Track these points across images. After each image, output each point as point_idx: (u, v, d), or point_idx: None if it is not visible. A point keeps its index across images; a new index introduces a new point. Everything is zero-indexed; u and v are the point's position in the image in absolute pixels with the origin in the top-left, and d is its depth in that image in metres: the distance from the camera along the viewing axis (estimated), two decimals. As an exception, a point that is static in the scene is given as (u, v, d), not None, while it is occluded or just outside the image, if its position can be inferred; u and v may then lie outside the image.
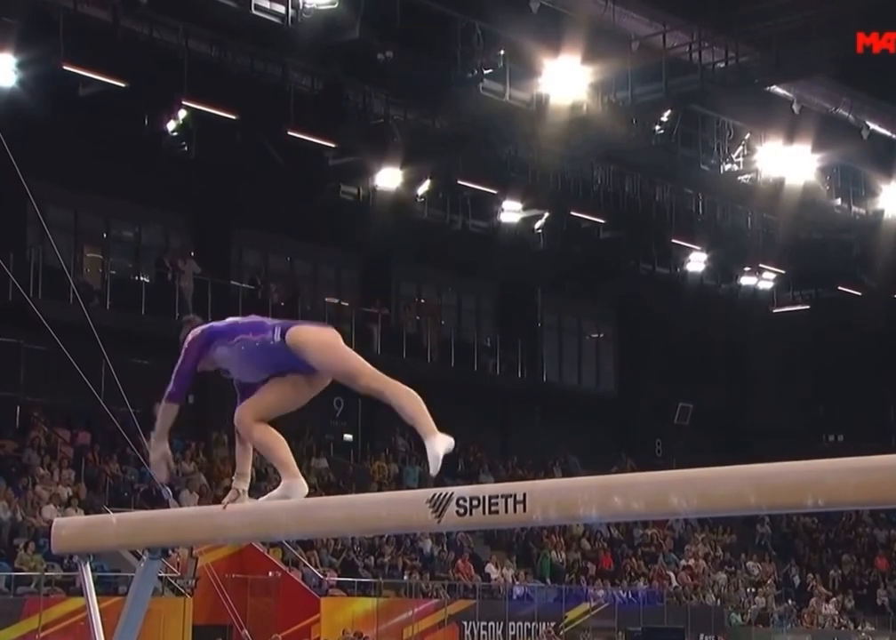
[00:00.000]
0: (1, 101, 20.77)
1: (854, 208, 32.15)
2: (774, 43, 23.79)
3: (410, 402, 5.84)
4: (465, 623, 24.60)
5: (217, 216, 27.67)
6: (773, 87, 26.50)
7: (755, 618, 30.89)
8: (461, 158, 27.12)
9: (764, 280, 35.49)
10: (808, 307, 37.14)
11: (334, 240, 29.39)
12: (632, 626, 26.87)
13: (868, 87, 27.50)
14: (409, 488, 25.55)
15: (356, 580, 23.75)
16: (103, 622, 6.72)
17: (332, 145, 25.52)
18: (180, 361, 6.32)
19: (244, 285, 28.27)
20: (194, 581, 20.87)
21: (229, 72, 24.01)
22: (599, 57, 23.99)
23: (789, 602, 32.24)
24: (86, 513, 19.06)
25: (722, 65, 24.40)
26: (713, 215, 32.89)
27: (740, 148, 29.11)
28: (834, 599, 32.66)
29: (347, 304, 30.54)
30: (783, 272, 35.16)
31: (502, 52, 24.07)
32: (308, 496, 6.23)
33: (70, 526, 7.17)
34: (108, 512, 15.97)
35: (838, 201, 31.86)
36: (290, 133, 24.34)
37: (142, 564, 6.72)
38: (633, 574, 29.70)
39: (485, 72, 23.93)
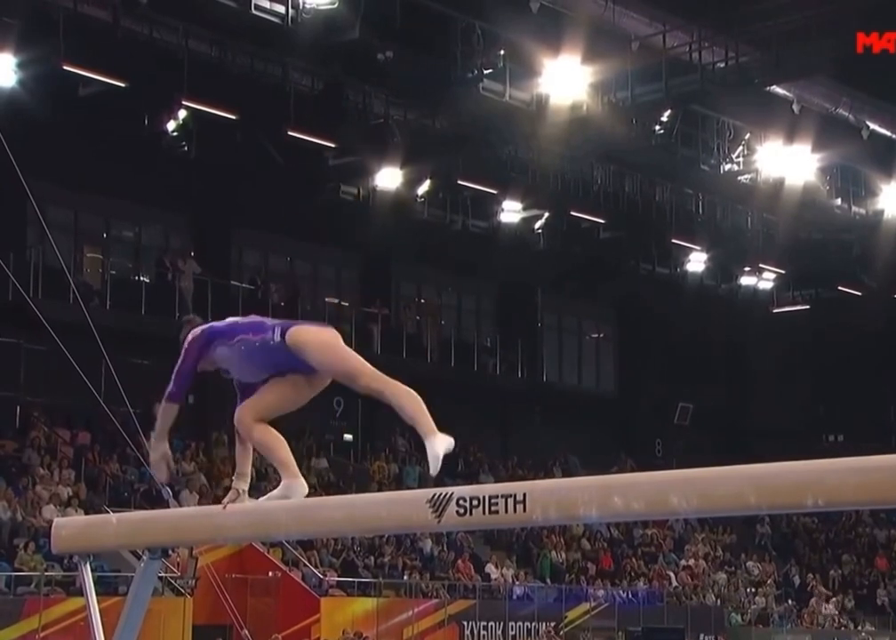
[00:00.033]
0: (1, 101, 20.76)
1: (854, 208, 32.15)
2: (774, 43, 23.79)
3: (410, 402, 5.83)
4: (465, 623, 24.60)
5: (217, 216, 27.67)
6: (773, 87, 26.50)
7: (755, 618, 30.89)
8: (461, 158, 27.12)
9: (764, 280, 35.50)
10: (808, 307, 37.15)
11: (334, 240, 29.40)
12: (632, 626, 26.86)
13: (868, 87, 27.50)
14: (409, 488, 25.54)
15: (356, 580, 23.75)
16: (103, 622, 6.72)
17: (332, 145, 25.52)
18: (179, 361, 6.32)
19: (243, 285, 28.26)
20: (194, 581, 20.87)
21: (229, 72, 24.01)
22: (599, 57, 23.99)
23: (789, 602, 32.24)
24: (86, 513, 19.05)
25: (722, 65, 24.40)
26: (713, 215, 32.90)
27: (740, 148, 29.11)
28: (834, 599, 32.66)
29: (347, 304, 30.54)
30: (783, 272, 35.17)
31: (502, 52, 24.07)
32: (308, 496, 6.23)
33: (70, 526, 7.17)
34: (108, 512, 15.96)
35: (838, 201, 31.86)
36: (290, 133, 24.34)
37: (142, 564, 6.72)
38: (633, 574, 29.71)
39: (485, 72, 23.93)
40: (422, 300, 33.40)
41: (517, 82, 24.50)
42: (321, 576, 23.18)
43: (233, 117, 23.53)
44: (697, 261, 33.25)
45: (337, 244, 29.79)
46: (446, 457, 5.71)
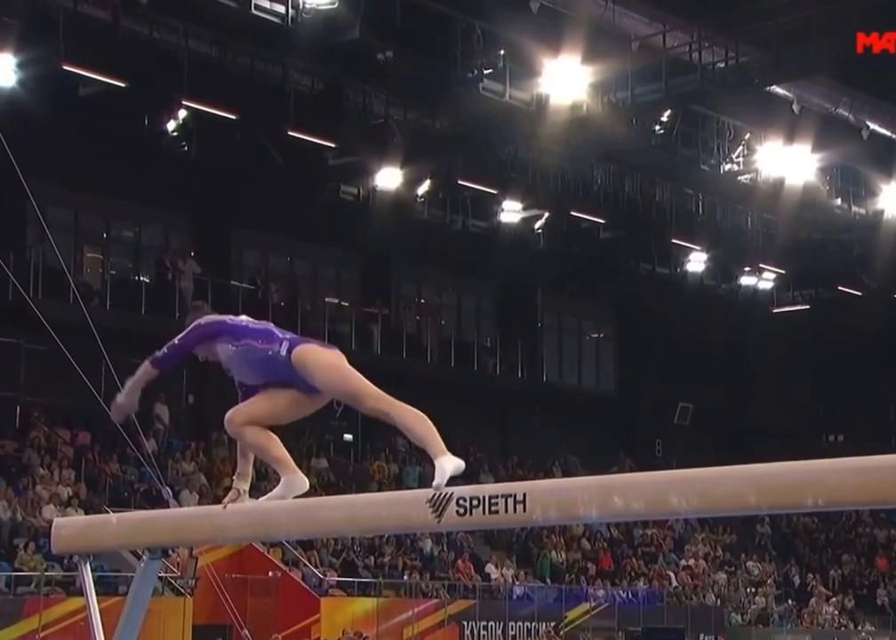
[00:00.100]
0: (1, 101, 20.76)
1: (854, 208, 32.15)
2: (774, 43, 23.79)
3: (418, 423, 5.76)
4: (465, 623, 24.60)
5: (217, 216, 27.67)
6: (773, 87, 26.49)
7: (755, 618, 30.89)
8: (461, 158, 27.12)
9: (764, 280, 35.50)
10: (808, 307, 37.15)
11: (334, 240, 29.39)
12: (632, 626, 26.87)
13: (868, 87, 27.49)
14: (409, 488, 25.53)
15: (356, 580, 23.75)
16: (103, 622, 6.72)
17: (332, 145, 25.52)
18: (180, 336, 6.30)
19: (244, 285, 28.26)
20: (194, 581, 20.87)
21: (229, 72, 24.00)
22: (599, 57, 23.99)
23: (789, 602, 32.24)
24: (86, 513, 19.05)
25: (722, 65, 24.40)
26: (713, 215, 32.90)
27: (740, 148, 29.11)
28: (834, 599, 32.66)
29: (347, 304, 30.54)
30: (783, 272, 35.17)
31: (502, 52, 24.07)
32: (307, 496, 6.23)
33: (70, 526, 7.17)
34: (108, 512, 15.96)
35: (838, 201, 31.86)
36: (290, 133, 24.34)
37: (142, 564, 6.73)
38: (633, 574, 29.71)
39: (485, 72, 23.92)
40: (422, 300, 33.40)
41: (517, 82, 24.49)
42: (321, 576, 23.18)
43: (233, 117, 23.52)
44: (697, 261, 33.25)
45: (337, 244, 29.79)
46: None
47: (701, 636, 28.89)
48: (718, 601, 30.63)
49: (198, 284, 26.25)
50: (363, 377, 6.02)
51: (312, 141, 24.88)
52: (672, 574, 30.40)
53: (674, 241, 32.31)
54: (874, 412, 38.81)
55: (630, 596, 28.51)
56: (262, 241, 29.53)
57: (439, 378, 29.78)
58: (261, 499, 6.21)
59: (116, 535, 6.77)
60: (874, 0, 22.67)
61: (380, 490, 24.41)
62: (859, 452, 4.72)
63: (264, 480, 16.83)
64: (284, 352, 6.05)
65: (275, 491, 6.18)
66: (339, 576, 23.56)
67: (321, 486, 24.10)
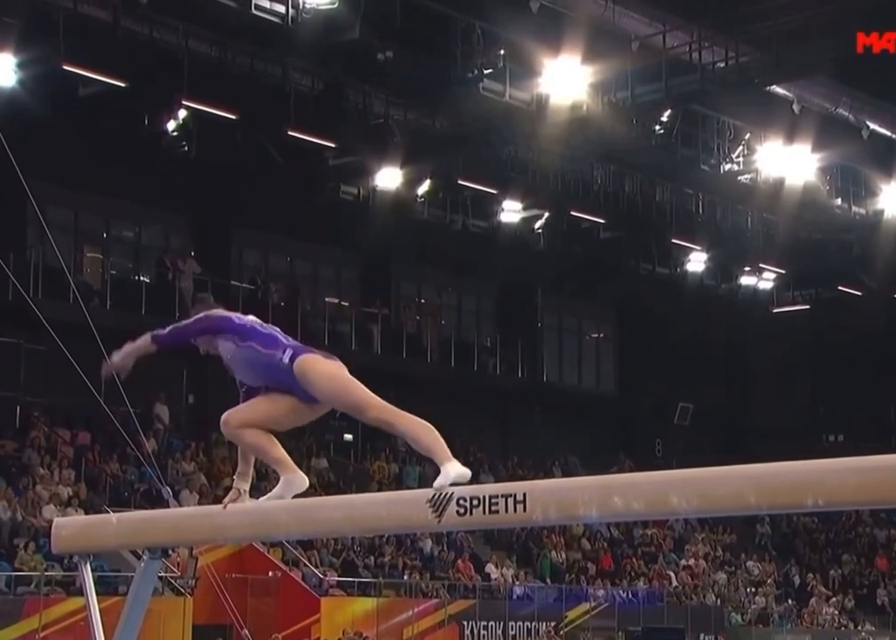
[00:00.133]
0: (1, 101, 20.76)
1: (854, 208, 32.15)
2: (774, 43, 23.79)
3: (425, 434, 5.72)
4: (465, 623, 24.60)
5: (217, 216, 27.67)
6: (773, 87, 26.49)
7: (755, 618, 30.89)
8: (461, 158, 27.12)
9: (764, 280, 35.50)
10: (808, 307, 37.15)
11: (334, 240, 29.39)
12: (632, 626, 26.86)
13: (868, 87, 27.50)
14: (409, 488, 25.53)
15: (356, 579, 23.75)
16: (103, 622, 6.72)
17: (332, 145, 25.51)
18: (186, 322, 6.31)
19: (244, 285, 28.26)
20: (194, 581, 20.87)
21: (229, 72, 24.00)
22: (599, 57, 23.99)
23: (789, 602, 32.24)
24: (86, 513, 19.05)
25: (722, 65, 24.39)
26: (713, 215, 32.90)
27: (740, 148, 29.11)
28: (834, 599, 32.65)
29: (347, 304, 30.54)
30: (783, 272, 35.18)
31: (502, 52, 24.07)
32: (307, 496, 6.23)
33: (70, 526, 7.17)
34: (108, 512, 15.95)
35: (838, 201, 31.87)
36: (290, 133, 24.34)
37: (142, 564, 6.73)
38: (633, 574, 29.70)
39: (485, 72, 23.92)
40: (422, 300, 33.40)
41: (517, 82, 24.49)
42: (321, 576, 23.19)
43: (233, 117, 23.52)
44: (697, 261, 33.25)
45: (337, 244, 29.79)
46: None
47: (701, 635, 28.89)
48: (718, 601, 30.63)
49: (198, 284, 26.21)
50: (364, 387, 5.99)
51: (312, 141, 24.88)
52: (672, 574, 30.40)
53: (674, 241, 32.31)
54: (874, 412, 38.81)
55: (630, 595, 28.51)
56: (262, 241, 29.53)
57: (439, 378, 29.79)
58: (261, 499, 6.21)
59: (116, 535, 6.77)
60: (874, 0, 22.67)
61: (379, 490, 24.40)
62: (859, 452, 4.72)
63: (264, 480, 16.83)
64: (286, 360, 6.03)
65: (274, 490, 6.18)
66: (339, 576, 23.56)
67: (321, 486, 24.10)
